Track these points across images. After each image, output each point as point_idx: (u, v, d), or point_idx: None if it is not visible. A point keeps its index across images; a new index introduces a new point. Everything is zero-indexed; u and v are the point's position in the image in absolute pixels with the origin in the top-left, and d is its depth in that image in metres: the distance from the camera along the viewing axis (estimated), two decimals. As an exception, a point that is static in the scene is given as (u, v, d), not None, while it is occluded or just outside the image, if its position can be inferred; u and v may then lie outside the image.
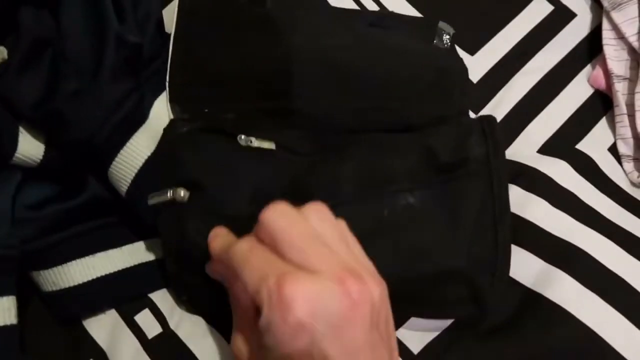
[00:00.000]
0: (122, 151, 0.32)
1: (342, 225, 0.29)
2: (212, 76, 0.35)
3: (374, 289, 0.26)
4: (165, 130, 0.34)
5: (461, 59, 0.41)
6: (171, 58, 0.35)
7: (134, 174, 0.32)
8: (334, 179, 0.34)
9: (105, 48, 0.32)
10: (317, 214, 0.28)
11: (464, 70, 0.40)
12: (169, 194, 0.32)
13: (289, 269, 0.25)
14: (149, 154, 0.33)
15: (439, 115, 0.36)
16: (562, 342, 0.33)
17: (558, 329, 0.33)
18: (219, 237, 0.30)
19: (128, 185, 0.33)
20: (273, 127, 0.35)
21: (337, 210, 0.29)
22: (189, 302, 0.35)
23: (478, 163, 0.34)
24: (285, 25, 0.35)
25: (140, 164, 0.33)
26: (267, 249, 0.26)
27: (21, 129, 0.33)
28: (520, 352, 0.33)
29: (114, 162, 0.32)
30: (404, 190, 0.33)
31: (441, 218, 0.33)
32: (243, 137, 0.34)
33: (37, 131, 0.33)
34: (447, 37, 0.40)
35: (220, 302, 0.31)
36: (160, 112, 0.34)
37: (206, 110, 0.35)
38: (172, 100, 0.35)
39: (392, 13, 0.42)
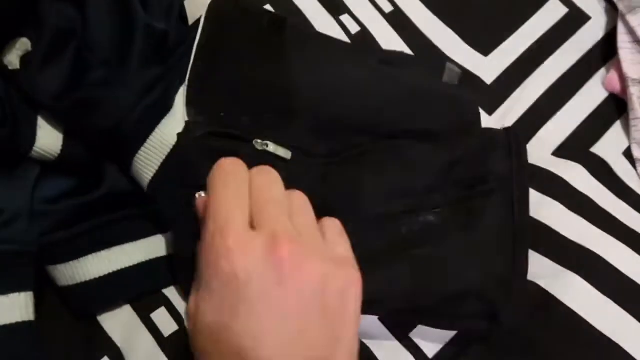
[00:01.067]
0: (150, 138, 0.32)
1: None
2: (229, 84, 0.35)
3: (316, 263, 0.27)
4: (179, 135, 0.33)
5: (469, 93, 0.41)
6: (192, 64, 0.35)
7: (161, 161, 0.32)
8: (351, 193, 0.34)
9: (133, 36, 0.32)
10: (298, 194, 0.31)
11: (475, 102, 0.39)
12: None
13: (237, 222, 0.27)
14: (175, 142, 0.33)
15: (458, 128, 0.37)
16: (576, 348, 0.33)
17: (572, 335, 0.33)
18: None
19: (154, 173, 0.32)
20: (288, 128, 0.35)
21: (354, 226, 0.30)
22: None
23: (500, 180, 0.34)
24: (294, 60, 0.36)
25: (168, 151, 0.32)
26: (245, 191, 0.29)
27: (39, 123, 0.33)
28: (535, 358, 0.33)
29: (141, 149, 0.32)
30: (423, 208, 0.33)
31: (460, 235, 0.33)
32: (259, 141, 0.34)
33: (55, 125, 0.33)
34: (455, 76, 0.41)
35: None
36: None
37: (222, 114, 0.35)
38: (189, 103, 0.34)
39: (402, 53, 0.42)
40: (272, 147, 0.34)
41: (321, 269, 0.27)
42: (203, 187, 0.31)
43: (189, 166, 0.33)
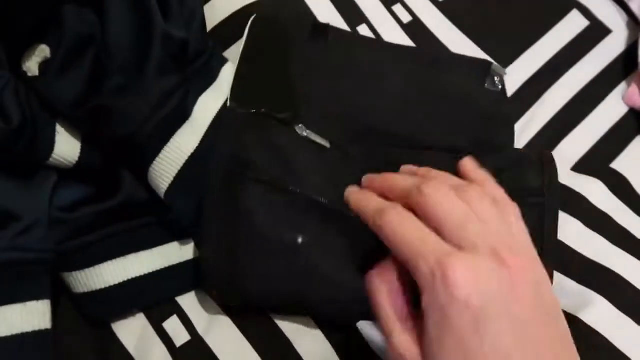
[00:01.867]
0: (165, 147, 0.32)
1: (509, 208, 0.29)
2: (270, 86, 0.37)
3: (532, 266, 0.26)
4: (222, 111, 0.35)
5: (509, 102, 0.41)
6: (237, 69, 0.37)
7: (176, 171, 0.32)
8: None
9: (152, 44, 0.32)
10: (478, 194, 0.28)
11: (509, 115, 0.40)
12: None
13: (448, 249, 0.25)
14: (192, 151, 0.33)
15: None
16: None
17: (593, 354, 0.32)
18: (357, 194, 0.30)
19: (170, 182, 0.32)
20: (327, 130, 0.36)
21: None
22: (218, 297, 0.34)
23: (532, 195, 0.34)
24: (335, 68, 0.38)
25: (184, 160, 0.32)
26: (420, 223, 0.27)
27: (58, 130, 0.33)
28: None
29: (156, 159, 0.32)
30: None
31: None
32: (301, 125, 0.35)
33: (74, 132, 0.33)
34: (498, 79, 0.41)
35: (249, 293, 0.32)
36: (205, 108, 0.35)
37: (263, 110, 0.35)
38: (233, 100, 0.36)
39: (450, 53, 0.42)
40: (312, 136, 0.34)
41: (534, 271, 0.26)
42: (247, 162, 0.32)
43: (232, 136, 0.34)
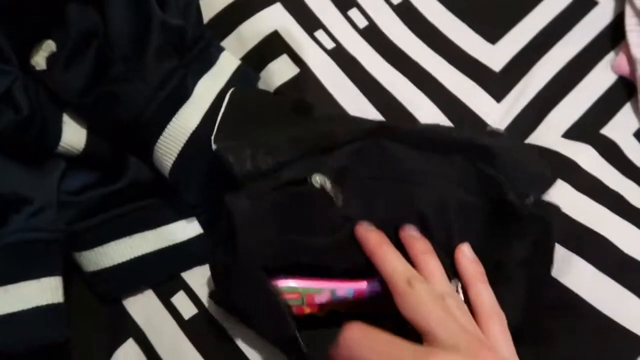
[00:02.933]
0: (168, 126, 0.34)
1: (456, 295, 0.31)
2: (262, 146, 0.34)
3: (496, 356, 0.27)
4: (237, 202, 0.32)
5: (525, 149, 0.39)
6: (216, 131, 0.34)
7: (179, 148, 0.34)
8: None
9: (150, 32, 0.34)
10: (444, 286, 0.30)
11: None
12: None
13: (433, 350, 0.27)
14: (194, 128, 0.34)
15: None
16: (577, 329, 0.33)
17: (573, 315, 0.33)
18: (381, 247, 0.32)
19: (173, 160, 0.34)
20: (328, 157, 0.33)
21: None
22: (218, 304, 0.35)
23: (519, 267, 0.33)
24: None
25: (186, 137, 0.34)
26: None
27: (65, 120, 0.35)
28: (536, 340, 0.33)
29: (160, 138, 0.34)
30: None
31: None
32: (318, 177, 0.32)
33: (80, 122, 0.35)
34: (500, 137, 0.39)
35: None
36: (205, 88, 0.36)
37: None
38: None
39: (437, 126, 0.39)
40: (328, 185, 0.32)
41: None
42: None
43: (256, 232, 0.31)
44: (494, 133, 0.39)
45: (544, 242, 0.33)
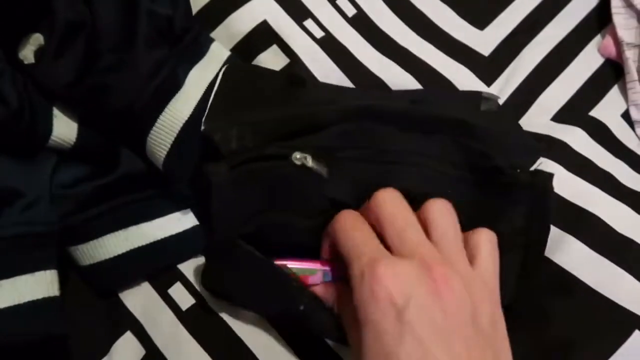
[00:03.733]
0: (161, 116, 0.34)
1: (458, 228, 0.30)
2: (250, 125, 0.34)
3: (460, 283, 0.27)
4: (215, 170, 0.33)
5: (509, 121, 0.40)
6: (208, 112, 0.35)
7: (172, 139, 0.34)
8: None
9: (138, 20, 0.33)
10: (439, 207, 0.30)
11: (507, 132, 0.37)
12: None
13: (383, 253, 0.27)
14: (186, 118, 0.34)
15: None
16: (568, 306, 0.33)
17: (565, 292, 0.33)
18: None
19: (167, 151, 0.34)
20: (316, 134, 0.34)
21: None
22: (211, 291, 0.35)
23: (518, 235, 0.33)
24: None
25: (179, 128, 0.34)
26: (370, 228, 0.29)
27: (55, 113, 0.34)
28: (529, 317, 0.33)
29: (153, 129, 0.34)
30: None
31: None
32: (298, 155, 0.32)
33: (70, 115, 0.35)
34: (492, 103, 0.39)
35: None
36: (197, 77, 0.36)
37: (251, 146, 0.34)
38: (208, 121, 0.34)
39: (435, 90, 0.41)
40: (311, 162, 0.32)
41: (468, 293, 0.27)
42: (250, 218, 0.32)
43: (234, 202, 0.32)
44: (489, 97, 0.40)
45: (540, 210, 0.33)
